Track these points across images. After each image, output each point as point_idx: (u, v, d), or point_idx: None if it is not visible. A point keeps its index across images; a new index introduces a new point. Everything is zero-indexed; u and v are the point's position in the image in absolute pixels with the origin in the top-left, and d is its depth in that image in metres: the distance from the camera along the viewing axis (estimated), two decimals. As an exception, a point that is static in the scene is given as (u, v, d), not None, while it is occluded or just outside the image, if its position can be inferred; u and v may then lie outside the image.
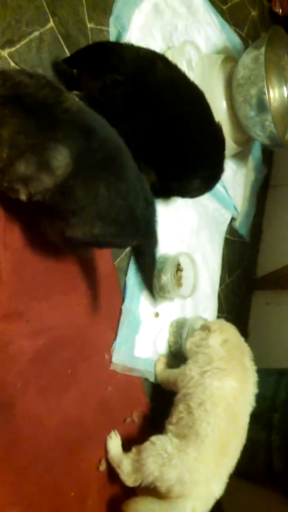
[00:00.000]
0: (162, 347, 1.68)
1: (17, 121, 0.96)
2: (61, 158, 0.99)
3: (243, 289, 2.33)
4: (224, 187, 2.10)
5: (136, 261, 1.54)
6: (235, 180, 2.21)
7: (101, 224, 1.11)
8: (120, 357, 1.49)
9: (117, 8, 1.58)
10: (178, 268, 1.72)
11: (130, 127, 1.31)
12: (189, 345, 1.52)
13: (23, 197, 1.04)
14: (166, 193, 1.68)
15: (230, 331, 1.52)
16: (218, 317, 2.03)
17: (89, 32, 1.49)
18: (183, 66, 1.56)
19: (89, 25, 1.49)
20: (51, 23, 1.36)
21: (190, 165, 1.49)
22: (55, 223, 1.13)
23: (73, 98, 1.07)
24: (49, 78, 1.04)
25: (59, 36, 1.38)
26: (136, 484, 1.32)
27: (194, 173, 1.52)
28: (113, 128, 1.13)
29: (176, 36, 1.82)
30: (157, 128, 1.37)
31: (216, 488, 1.31)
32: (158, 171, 1.55)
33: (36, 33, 1.31)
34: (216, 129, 1.52)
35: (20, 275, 1.22)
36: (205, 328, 1.51)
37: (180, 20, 1.86)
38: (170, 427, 1.37)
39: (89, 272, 1.42)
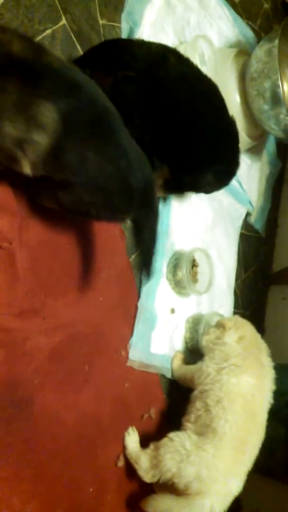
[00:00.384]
0: (178, 343, 1.68)
1: None
2: (49, 114, 0.94)
3: (259, 284, 2.31)
4: (239, 182, 2.08)
5: (135, 238, 1.42)
6: (250, 174, 2.19)
7: (90, 191, 1.07)
8: (136, 353, 1.49)
9: (129, 4, 1.58)
10: (194, 264, 1.72)
11: (144, 122, 1.30)
12: (205, 342, 1.51)
13: (27, 169, 1.01)
14: (180, 188, 1.68)
15: (246, 328, 1.51)
16: (234, 312, 2.01)
17: (101, 29, 1.49)
18: (195, 61, 1.55)
19: (101, 22, 1.49)
20: (63, 21, 1.36)
21: (203, 159, 1.48)
22: (50, 191, 1.11)
23: (56, 56, 1.02)
24: (26, 34, 0.99)
25: (72, 33, 1.38)
26: (154, 480, 1.33)
27: (207, 167, 1.51)
28: (103, 92, 1.08)
29: (188, 31, 1.81)
30: (170, 123, 1.36)
31: (234, 485, 1.30)
32: (171, 166, 1.54)
33: (49, 31, 1.32)
34: (229, 123, 1.50)
35: (36, 273, 1.23)
36: (220, 325, 1.51)
37: (192, 15, 1.85)
38: (188, 425, 1.37)
39: (105, 269, 1.42)
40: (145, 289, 1.55)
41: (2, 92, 0.92)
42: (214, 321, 1.62)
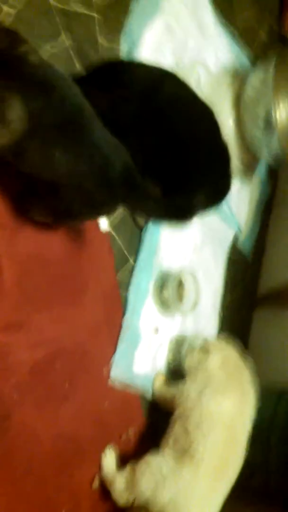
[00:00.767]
0: (161, 364, 1.67)
1: None
2: (15, 110, 0.90)
3: (244, 306, 2.32)
4: (228, 205, 2.10)
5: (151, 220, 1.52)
6: (240, 197, 2.21)
7: (63, 189, 1.05)
8: (118, 372, 1.48)
9: (128, 25, 1.60)
10: (180, 285, 1.72)
11: (138, 143, 1.31)
12: (187, 365, 1.50)
13: None
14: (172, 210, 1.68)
15: (229, 352, 1.50)
16: (219, 334, 2.01)
17: (100, 48, 1.50)
18: (191, 85, 1.57)
19: (100, 41, 1.51)
20: (63, 37, 1.37)
21: (194, 181, 1.50)
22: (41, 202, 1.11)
23: (35, 51, 0.99)
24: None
25: (71, 51, 1.40)
26: (128, 503, 1.30)
27: (198, 188, 1.52)
28: (77, 87, 1.05)
29: (186, 55, 1.84)
30: (164, 144, 1.38)
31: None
32: (163, 186, 1.55)
33: (47, 47, 1.33)
34: (222, 147, 1.52)
35: (23, 286, 1.22)
36: (203, 348, 1.50)
37: (190, 39, 1.88)
38: (166, 449, 1.35)
39: (92, 286, 1.42)
40: (130, 307, 1.55)
41: None
42: (197, 343, 1.62)
